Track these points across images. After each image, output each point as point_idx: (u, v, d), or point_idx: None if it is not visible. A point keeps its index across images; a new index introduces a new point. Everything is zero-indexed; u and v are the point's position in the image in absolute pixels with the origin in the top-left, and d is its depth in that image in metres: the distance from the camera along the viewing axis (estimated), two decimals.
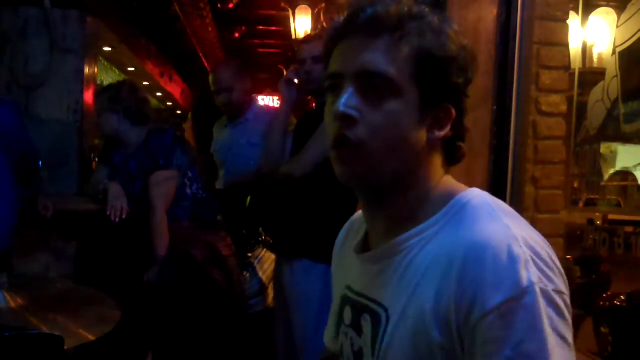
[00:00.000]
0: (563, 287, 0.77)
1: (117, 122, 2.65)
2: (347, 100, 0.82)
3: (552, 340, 0.72)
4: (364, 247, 0.96)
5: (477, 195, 0.86)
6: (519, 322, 0.72)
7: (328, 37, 0.89)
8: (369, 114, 0.82)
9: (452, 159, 0.91)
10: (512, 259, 0.74)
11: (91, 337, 1.23)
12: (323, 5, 4.98)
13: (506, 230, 0.78)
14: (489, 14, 2.19)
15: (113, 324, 1.32)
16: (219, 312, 2.61)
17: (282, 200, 2.49)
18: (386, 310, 0.85)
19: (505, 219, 0.81)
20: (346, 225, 1.11)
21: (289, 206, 2.38)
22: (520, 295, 0.72)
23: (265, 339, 2.65)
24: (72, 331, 1.21)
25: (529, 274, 0.74)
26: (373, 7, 0.83)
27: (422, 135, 0.84)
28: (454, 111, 0.86)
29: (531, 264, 0.75)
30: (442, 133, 0.86)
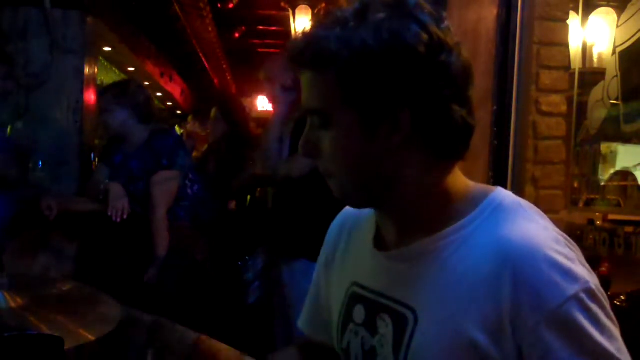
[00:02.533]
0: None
1: (125, 119, 2.64)
2: (303, 140, 0.88)
3: (613, 327, 0.76)
4: (378, 243, 0.94)
5: (508, 196, 0.87)
6: (582, 318, 0.74)
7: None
8: (323, 146, 0.85)
9: (445, 154, 0.85)
10: (564, 259, 0.77)
11: (91, 337, 1.22)
12: (323, 5, 4.98)
13: (547, 232, 0.81)
14: (489, 14, 2.19)
15: (113, 324, 1.31)
16: (219, 312, 2.62)
17: (280, 201, 2.49)
18: (413, 311, 0.84)
19: (541, 220, 0.83)
20: (339, 220, 1.08)
21: (287, 207, 2.39)
22: (578, 292, 0.75)
23: (265, 339, 2.65)
24: (72, 331, 1.21)
25: (581, 271, 0.77)
26: (293, 45, 0.85)
27: (379, 146, 0.82)
28: (406, 111, 0.80)
29: (578, 262, 0.78)
30: (400, 137, 0.81)
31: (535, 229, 0.81)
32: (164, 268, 2.53)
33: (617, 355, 0.75)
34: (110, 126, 2.72)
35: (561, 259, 0.76)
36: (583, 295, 0.75)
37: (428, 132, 0.82)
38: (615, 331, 0.77)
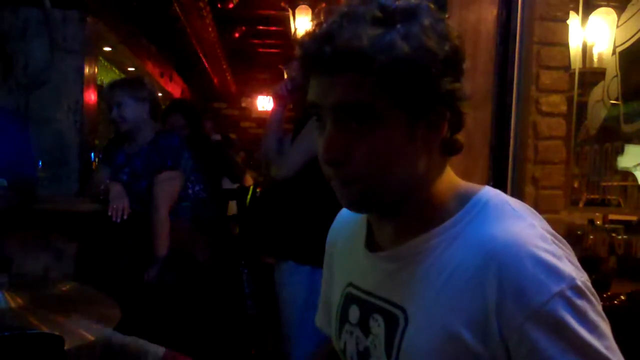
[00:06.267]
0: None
1: (143, 112, 2.63)
2: (329, 143, 0.81)
3: (602, 324, 0.75)
4: (370, 244, 0.94)
5: (495, 195, 0.86)
6: (568, 316, 0.73)
7: (300, 63, 0.84)
8: (355, 149, 0.80)
9: (451, 151, 0.87)
10: (550, 256, 0.76)
11: (91, 337, 1.23)
12: (323, 5, 4.98)
13: (533, 229, 0.80)
14: (489, 14, 2.19)
15: (113, 324, 1.32)
16: (219, 312, 2.62)
17: (269, 203, 2.50)
18: (404, 310, 0.84)
19: (529, 218, 0.82)
20: (338, 221, 1.09)
21: (275, 208, 2.39)
22: (564, 290, 0.74)
23: (264, 340, 2.65)
24: (72, 331, 1.21)
25: (568, 268, 0.76)
26: (332, 43, 0.77)
27: (416, 147, 0.82)
28: (447, 112, 0.82)
29: (565, 259, 0.77)
30: (439, 136, 0.83)
31: (521, 226, 0.80)
32: (164, 268, 2.53)
33: (606, 353, 0.73)
34: (125, 120, 2.62)
35: (546, 256, 0.75)
36: (569, 293, 0.73)
37: (453, 131, 0.85)
38: (606, 329, 0.76)
